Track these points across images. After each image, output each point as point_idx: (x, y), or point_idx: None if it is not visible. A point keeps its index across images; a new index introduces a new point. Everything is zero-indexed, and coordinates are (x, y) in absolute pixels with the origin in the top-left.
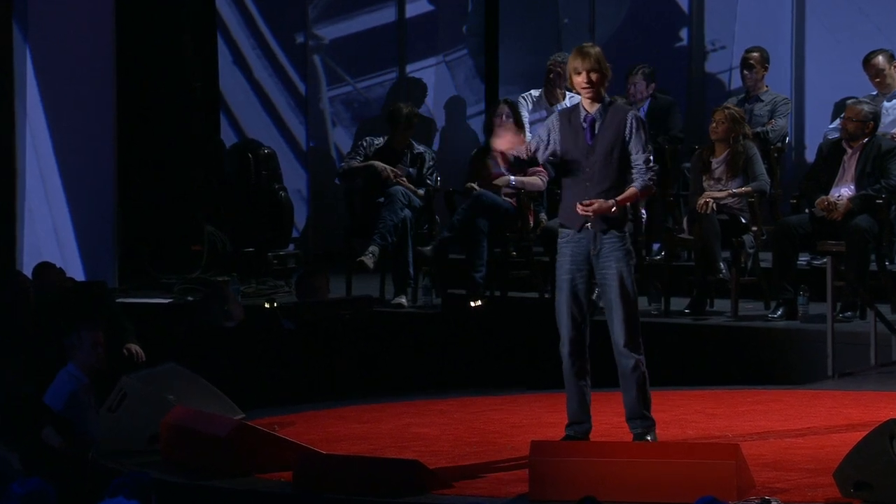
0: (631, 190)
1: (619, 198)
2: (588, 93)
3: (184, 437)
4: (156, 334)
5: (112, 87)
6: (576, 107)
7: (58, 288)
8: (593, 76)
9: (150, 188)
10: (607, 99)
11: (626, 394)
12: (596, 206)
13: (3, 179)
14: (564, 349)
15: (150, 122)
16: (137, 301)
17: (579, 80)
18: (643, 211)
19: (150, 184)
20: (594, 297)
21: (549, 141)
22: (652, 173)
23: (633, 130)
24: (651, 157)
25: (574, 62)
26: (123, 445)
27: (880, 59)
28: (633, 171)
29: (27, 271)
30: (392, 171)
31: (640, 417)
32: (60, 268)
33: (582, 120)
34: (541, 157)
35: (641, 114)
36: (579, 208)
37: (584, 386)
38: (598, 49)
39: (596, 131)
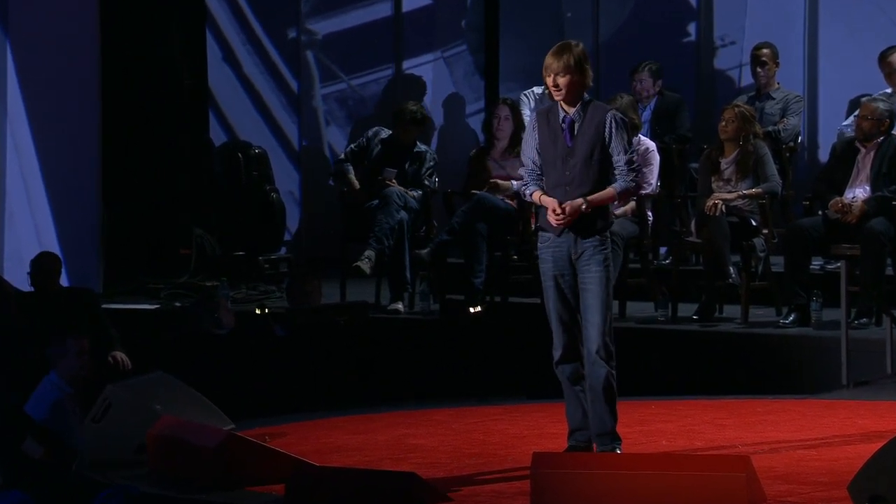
0: (608, 191)
1: (591, 197)
2: (557, 96)
3: (171, 449)
4: (142, 341)
5: (97, 85)
6: (554, 107)
7: (53, 280)
8: (560, 80)
9: (137, 189)
10: (586, 97)
11: (595, 407)
12: (569, 210)
13: None
14: (557, 353)
15: (136, 120)
16: (123, 307)
17: (548, 81)
18: (649, 213)
19: (137, 185)
20: None
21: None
22: (634, 174)
23: (613, 131)
24: (634, 158)
25: (547, 60)
26: (109, 457)
27: None
28: (615, 172)
29: (8, 276)
30: (360, 192)
31: (610, 434)
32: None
33: (561, 121)
34: None
35: (648, 112)
36: (551, 218)
37: (580, 391)
38: (577, 50)
39: (575, 132)
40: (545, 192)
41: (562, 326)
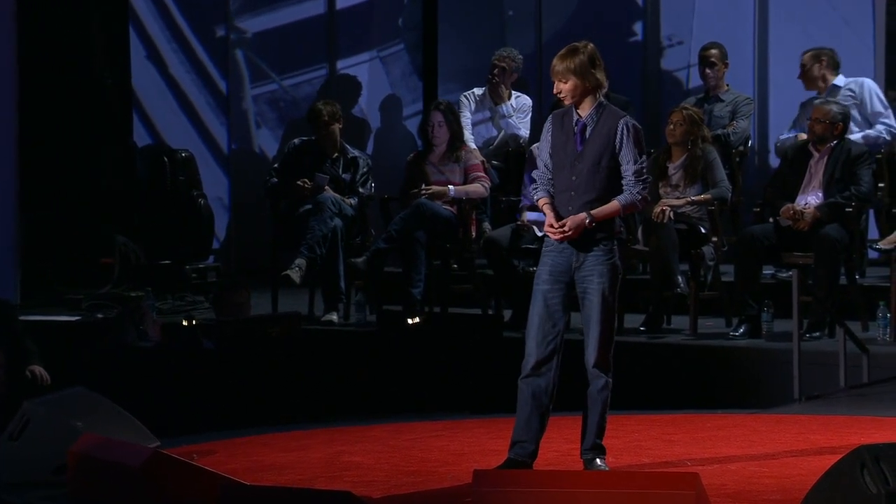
0: (612, 204)
1: (595, 211)
2: (564, 101)
3: (93, 468)
4: (62, 355)
5: (13, 84)
6: (570, 108)
7: None
8: (562, 85)
9: (56, 195)
10: (602, 101)
11: (590, 416)
12: (569, 224)
13: None
14: (528, 364)
15: (55, 123)
16: (42, 318)
17: (555, 84)
18: None
19: (56, 190)
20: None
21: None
22: (642, 186)
23: (624, 139)
24: (644, 169)
25: (552, 64)
26: (26, 477)
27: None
28: (623, 182)
29: None
30: (309, 185)
31: (595, 448)
32: None
33: (574, 124)
34: None
35: None
36: (549, 232)
37: (538, 407)
38: (582, 53)
39: (587, 137)
40: (552, 198)
41: (540, 335)
